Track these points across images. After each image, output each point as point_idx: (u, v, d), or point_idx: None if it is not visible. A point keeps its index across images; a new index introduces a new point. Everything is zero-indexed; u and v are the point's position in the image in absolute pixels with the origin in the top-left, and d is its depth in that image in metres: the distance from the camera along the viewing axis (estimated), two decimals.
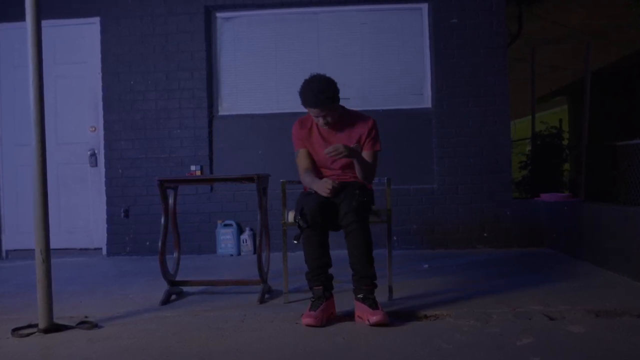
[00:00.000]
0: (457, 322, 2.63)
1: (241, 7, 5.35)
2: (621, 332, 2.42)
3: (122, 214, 5.26)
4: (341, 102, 2.99)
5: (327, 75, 2.93)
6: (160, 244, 3.25)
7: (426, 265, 4.19)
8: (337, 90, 2.89)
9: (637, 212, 3.35)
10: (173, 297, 3.28)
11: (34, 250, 2.65)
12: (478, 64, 5.12)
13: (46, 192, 2.67)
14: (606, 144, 4.77)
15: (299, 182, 3.13)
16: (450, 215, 5.10)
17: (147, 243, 5.22)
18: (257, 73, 5.39)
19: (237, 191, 5.23)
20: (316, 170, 3.06)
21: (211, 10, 5.38)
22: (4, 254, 5.43)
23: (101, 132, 5.35)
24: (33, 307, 2.71)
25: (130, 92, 5.32)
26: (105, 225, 5.30)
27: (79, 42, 5.42)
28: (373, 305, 2.63)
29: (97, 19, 5.35)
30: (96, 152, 5.36)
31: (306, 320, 2.62)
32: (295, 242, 2.77)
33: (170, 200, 3.41)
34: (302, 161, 3.05)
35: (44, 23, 2.76)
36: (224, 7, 5.36)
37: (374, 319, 2.57)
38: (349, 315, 2.74)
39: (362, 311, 2.65)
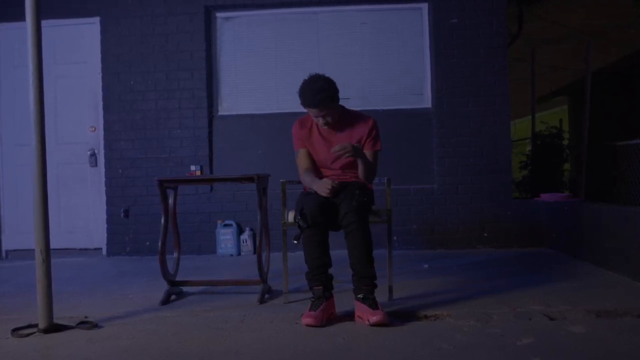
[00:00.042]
0: (457, 323, 2.63)
1: (241, 7, 5.35)
2: (622, 332, 2.41)
3: (122, 214, 5.26)
4: (341, 102, 2.99)
5: (327, 75, 2.93)
6: (160, 244, 3.25)
7: (426, 266, 4.19)
8: (336, 90, 2.89)
9: (637, 212, 3.35)
10: (173, 297, 3.28)
11: (34, 250, 2.65)
12: (478, 64, 5.12)
13: (46, 192, 2.67)
14: (606, 144, 4.76)
15: (299, 182, 3.13)
16: (450, 215, 5.10)
17: (147, 243, 5.22)
18: (257, 73, 5.39)
19: (237, 191, 5.23)
20: (316, 170, 3.06)
21: (211, 10, 5.37)
22: (4, 254, 5.43)
23: (101, 132, 5.35)
24: (33, 307, 2.71)
25: (130, 92, 5.32)
26: (105, 225, 5.30)
27: (79, 42, 5.42)
28: (373, 305, 2.63)
29: (97, 19, 5.35)
30: (96, 152, 5.36)
31: (306, 320, 2.62)
32: (295, 242, 2.77)
33: (170, 200, 3.41)
34: (302, 161, 3.05)
35: (44, 23, 2.76)
36: (224, 7, 5.36)
37: (374, 319, 2.57)
38: (349, 315, 2.74)
39: (362, 311, 2.65)
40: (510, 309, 2.76)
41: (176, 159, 5.28)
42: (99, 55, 5.35)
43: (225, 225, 5.14)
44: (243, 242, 5.15)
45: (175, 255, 3.48)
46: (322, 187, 2.80)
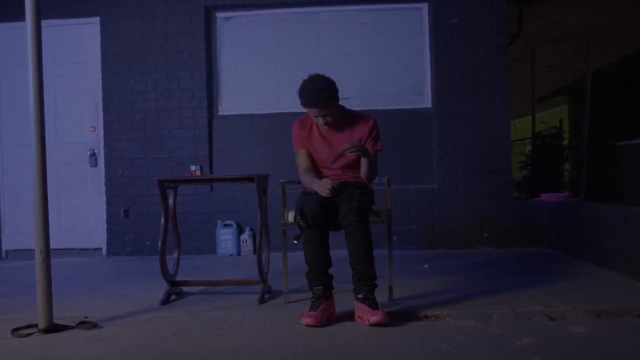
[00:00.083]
0: (457, 323, 2.63)
1: (241, 7, 5.35)
2: (622, 332, 2.41)
3: (122, 214, 5.26)
4: (341, 102, 2.99)
5: (327, 75, 2.93)
6: (160, 244, 3.25)
7: (426, 265, 4.19)
8: (336, 90, 2.89)
9: (637, 212, 3.35)
10: (173, 297, 3.28)
11: (34, 250, 2.65)
12: (478, 64, 5.12)
13: (46, 192, 2.67)
14: (606, 144, 4.76)
15: (299, 182, 3.13)
16: (450, 215, 5.10)
17: (147, 243, 5.22)
18: (257, 73, 5.39)
19: (237, 191, 5.23)
20: (316, 170, 3.06)
21: (211, 10, 5.37)
22: (3, 254, 5.43)
23: (101, 132, 5.35)
24: (33, 307, 2.71)
25: (130, 92, 5.32)
26: (105, 225, 5.30)
27: (79, 42, 5.42)
28: (373, 305, 2.63)
29: (97, 19, 5.35)
30: (96, 152, 5.36)
31: (306, 320, 2.62)
32: (295, 242, 2.77)
33: (170, 200, 3.41)
34: (302, 161, 3.05)
35: (44, 23, 2.76)
36: (224, 7, 5.36)
37: (374, 319, 2.57)
38: (349, 315, 2.74)
39: (362, 311, 2.65)
40: (510, 309, 2.76)
41: (176, 159, 5.28)
42: (99, 55, 5.35)
43: (225, 225, 5.14)
44: (243, 242, 5.15)
45: (175, 255, 3.48)
46: (322, 187, 2.80)
